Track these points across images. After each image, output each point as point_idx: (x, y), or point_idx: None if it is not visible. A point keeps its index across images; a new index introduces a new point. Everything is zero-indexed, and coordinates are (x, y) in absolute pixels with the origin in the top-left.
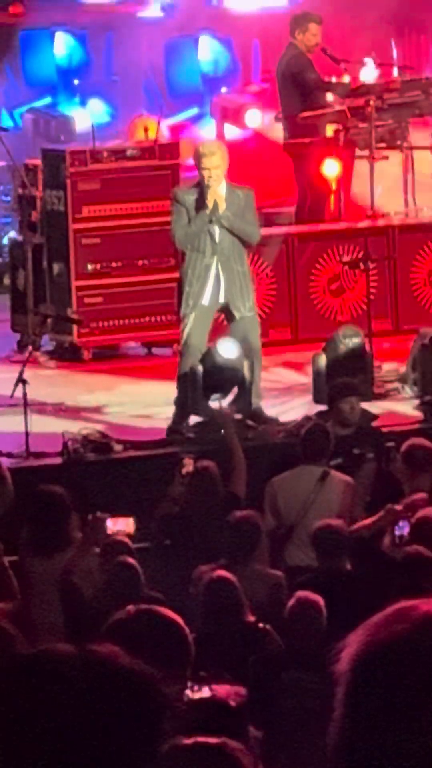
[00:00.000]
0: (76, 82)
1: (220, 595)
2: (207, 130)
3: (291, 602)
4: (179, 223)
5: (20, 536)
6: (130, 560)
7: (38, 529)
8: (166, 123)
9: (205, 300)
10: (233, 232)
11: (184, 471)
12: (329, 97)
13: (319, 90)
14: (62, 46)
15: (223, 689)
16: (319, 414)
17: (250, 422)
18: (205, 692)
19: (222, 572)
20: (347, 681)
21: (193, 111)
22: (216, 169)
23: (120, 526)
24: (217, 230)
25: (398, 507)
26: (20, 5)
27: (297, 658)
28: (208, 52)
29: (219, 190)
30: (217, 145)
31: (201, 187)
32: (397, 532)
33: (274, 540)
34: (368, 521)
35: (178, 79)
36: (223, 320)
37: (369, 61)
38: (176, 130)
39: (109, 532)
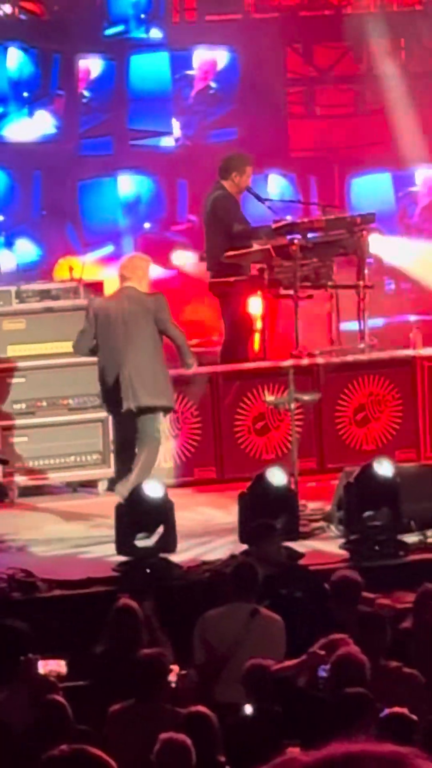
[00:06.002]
0: (1, 218)
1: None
2: None
3: (157, 746)
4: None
5: None
6: (59, 698)
7: None
8: (91, 259)
9: None
10: None
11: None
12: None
13: (243, 239)
14: None
15: None
16: (244, 553)
17: (176, 562)
18: None
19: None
20: None
21: (109, 248)
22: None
23: (52, 667)
24: None
25: (321, 651)
26: None
27: None
28: (130, 187)
29: None
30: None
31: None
32: (319, 674)
33: (203, 675)
34: (290, 663)
35: (95, 217)
36: None
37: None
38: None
39: (41, 672)
